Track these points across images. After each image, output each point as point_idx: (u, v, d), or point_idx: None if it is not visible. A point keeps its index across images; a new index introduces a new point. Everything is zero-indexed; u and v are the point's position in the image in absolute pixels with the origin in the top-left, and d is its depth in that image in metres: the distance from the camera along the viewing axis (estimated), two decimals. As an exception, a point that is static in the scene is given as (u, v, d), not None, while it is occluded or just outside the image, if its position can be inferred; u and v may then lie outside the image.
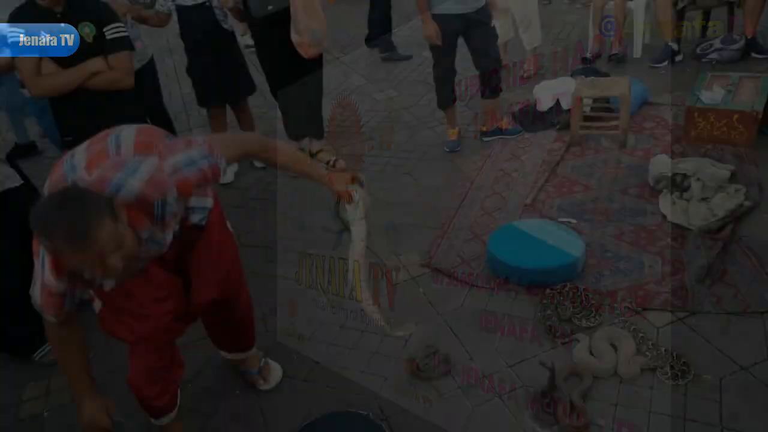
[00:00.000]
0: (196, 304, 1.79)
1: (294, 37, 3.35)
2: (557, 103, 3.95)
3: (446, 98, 3.70)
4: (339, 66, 5.77)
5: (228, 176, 3.79)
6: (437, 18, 3.37)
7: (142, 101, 2.77)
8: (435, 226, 3.03)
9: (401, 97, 4.77)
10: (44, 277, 1.42)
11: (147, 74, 3.40)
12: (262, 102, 4.96)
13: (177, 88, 5.64)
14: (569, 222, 2.86)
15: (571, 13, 6.11)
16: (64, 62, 2.39)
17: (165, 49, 6.75)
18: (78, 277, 1.41)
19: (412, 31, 6.46)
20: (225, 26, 3.60)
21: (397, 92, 4.89)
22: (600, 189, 3.11)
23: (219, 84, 3.69)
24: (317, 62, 3.63)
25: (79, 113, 2.48)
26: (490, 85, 3.61)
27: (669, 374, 1.96)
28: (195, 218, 1.67)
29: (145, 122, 2.74)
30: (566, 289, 2.37)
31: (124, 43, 2.50)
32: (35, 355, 2.51)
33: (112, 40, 2.46)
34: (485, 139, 3.81)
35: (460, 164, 3.62)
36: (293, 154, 1.88)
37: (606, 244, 2.68)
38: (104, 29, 2.44)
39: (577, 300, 2.33)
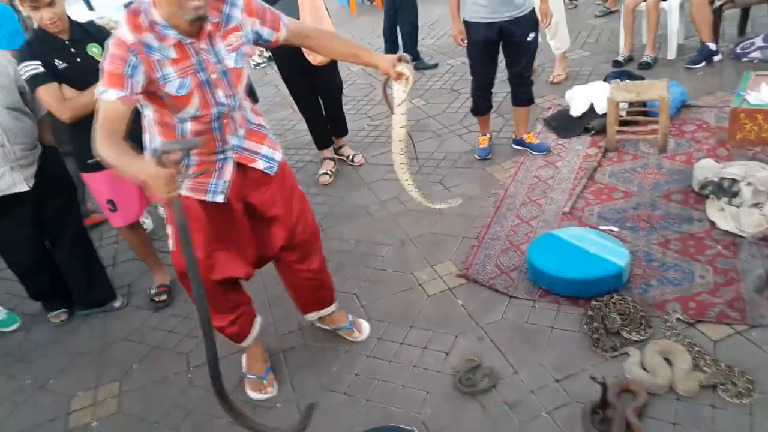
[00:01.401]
0: (271, 248, 2.08)
1: None
2: (591, 107, 3.85)
3: (481, 106, 3.61)
4: (363, 76, 5.74)
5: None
6: (470, 25, 3.25)
7: None
8: (470, 236, 2.95)
9: (428, 106, 4.70)
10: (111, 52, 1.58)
11: None
12: (291, 114, 4.96)
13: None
14: (611, 230, 2.75)
15: (599, 16, 6.00)
16: (81, 86, 2.44)
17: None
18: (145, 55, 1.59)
19: (436, 40, 6.42)
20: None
21: (424, 101, 4.82)
22: (641, 195, 2.99)
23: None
24: (331, 66, 3.62)
25: None
26: (522, 94, 3.51)
27: (732, 392, 1.84)
28: (262, 165, 1.94)
29: None
30: (613, 300, 2.26)
31: None
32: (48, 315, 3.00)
33: None
34: (515, 146, 3.73)
35: (492, 172, 3.53)
36: (344, 41, 2.03)
37: (651, 252, 2.57)
38: None
39: (624, 311, 2.22)
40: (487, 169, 3.59)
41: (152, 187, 1.45)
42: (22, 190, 2.60)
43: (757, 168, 2.72)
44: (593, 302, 2.28)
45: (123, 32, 1.59)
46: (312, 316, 2.43)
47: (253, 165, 1.94)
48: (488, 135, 3.73)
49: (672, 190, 2.98)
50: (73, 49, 2.48)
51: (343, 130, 4.04)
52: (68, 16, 2.51)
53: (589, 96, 3.87)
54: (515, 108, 3.61)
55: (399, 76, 1.86)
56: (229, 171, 1.88)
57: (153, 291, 2.99)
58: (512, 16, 3.16)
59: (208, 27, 1.67)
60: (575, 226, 2.80)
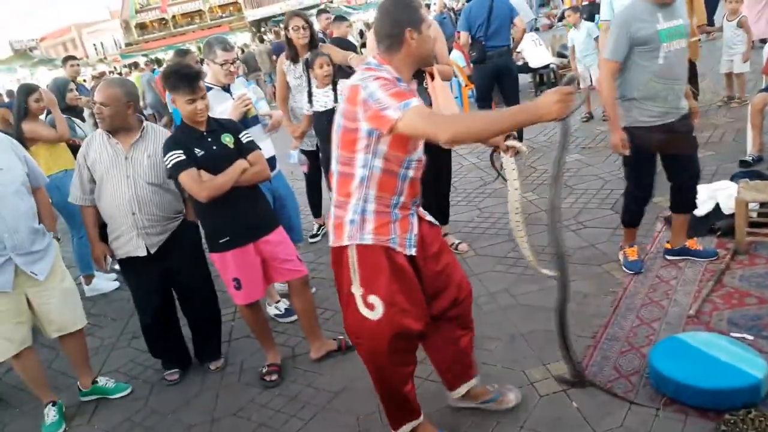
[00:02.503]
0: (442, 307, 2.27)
1: None
2: (716, 207, 3.69)
3: (635, 217, 3.34)
4: (474, 170, 5.89)
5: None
6: (635, 131, 3.03)
7: (267, 200, 3.15)
8: (585, 335, 2.85)
9: (541, 200, 4.72)
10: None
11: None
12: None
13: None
14: (744, 338, 2.55)
15: (722, 115, 5.83)
16: (214, 171, 2.75)
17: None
18: None
19: (548, 138, 6.50)
20: None
21: (536, 195, 4.85)
22: (778, 301, 2.78)
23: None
24: (448, 152, 3.98)
25: (228, 217, 2.81)
26: (685, 200, 3.24)
27: None
28: (429, 216, 2.19)
29: (277, 219, 3.09)
30: (750, 415, 2.07)
31: (255, 144, 2.93)
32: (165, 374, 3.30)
33: (247, 143, 2.89)
34: (669, 257, 3.37)
35: (610, 269, 3.43)
36: None
37: (793, 365, 2.34)
38: (239, 136, 2.88)
39: (764, 429, 2.02)
40: (604, 266, 3.49)
41: (560, 103, 1.74)
42: (141, 255, 2.98)
43: None
44: (727, 416, 2.10)
45: (385, 74, 1.95)
46: (462, 389, 2.45)
47: (426, 218, 2.22)
48: (636, 247, 3.42)
49: (814, 298, 2.74)
50: (209, 139, 2.80)
51: (444, 219, 4.12)
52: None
53: (714, 196, 3.72)
54: (678, 215, 3.31)
55: (508, 149, 2.17)
56: (416, 224, 2.13)
57: (264, 370, 3.07)
58: (680, 115, 3.05)
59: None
60: (702, 331, 2.64)
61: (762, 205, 3.39)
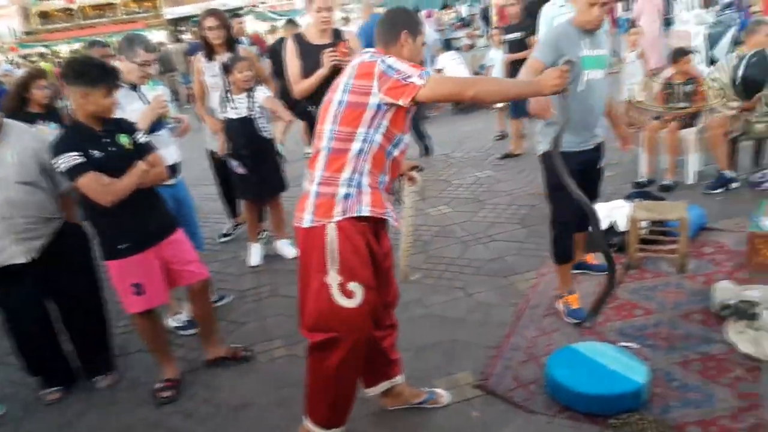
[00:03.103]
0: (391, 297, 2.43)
1: None
2: (612, 225, 3.96)
3: (566, 249, 3.17)
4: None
5: (254, 259, 4.34)
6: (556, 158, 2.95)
7: (164, 202, 3.00)
8: (489, 345, 2.97)
9: (454, 213, 4.88)
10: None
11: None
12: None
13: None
14: (631, 347, 2.76)
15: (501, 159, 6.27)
16: (114, 174, 2.60)
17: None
18: None
19: (464, 154, 6.73)
20: (265, 134, 4.08)
21: (450, 208, 5.01)
22: (662, 313, 3.02)
23: (259, 186, 4.16)
24: None
25: (127, 221, 2.69)
26: (584, 222, 3.17)
27: None
28: (389, 215, 2.19)
29: (177, 221, 2.99)
30: (632, 419, 2.25)
31: (152, 146, 2.84)
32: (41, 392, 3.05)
33: (144, 144, 2.78)
34: (571, 271, 3.33)
35: (515, 281, 3.61)
36: None
37: (672, 372, 2.57)
38: (135, 136, 2.76)
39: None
40: (510, 278, 3.66)
41: (558, 79, 2.06)
42: (20, 262, 2.78)
43: (776, 293, 2.76)
44: (611, 421, 2.27)
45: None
46: (381, 387, 2.50)
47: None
48: (578, 293, 3.19)
49: (692, 310, 3.01)
50: (106, 140, 2.63)
51: None
52: None
53: (611, 214, 3.99)
54: (578, 233, 3.33)
55: (410, 178, 2.45)
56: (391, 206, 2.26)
57: (159, 386, 2.91)
58: (596, 143, 3.10)
59: None
60: (595, 341, 2.82)
61: (652, 223, 3.68)
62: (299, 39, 3.86)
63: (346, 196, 2.07)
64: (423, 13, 14.53)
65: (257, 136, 4.01)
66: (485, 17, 17.14)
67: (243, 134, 3.99)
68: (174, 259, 2.85)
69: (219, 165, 4.54)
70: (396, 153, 2.15)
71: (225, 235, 4.89)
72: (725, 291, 2.91)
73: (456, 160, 6.50)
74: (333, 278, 2.07)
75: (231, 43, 4.17)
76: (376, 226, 2.20)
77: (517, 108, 5.89)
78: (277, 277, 4.14)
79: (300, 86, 3.80)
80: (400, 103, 1.99)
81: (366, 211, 2.08)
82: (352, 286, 2.09)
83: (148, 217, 2.77)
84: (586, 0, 2.77)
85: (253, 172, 4.07)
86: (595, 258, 3.53)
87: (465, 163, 6.32)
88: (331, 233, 2.06)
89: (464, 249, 4.19)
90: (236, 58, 3.97)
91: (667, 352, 2.70)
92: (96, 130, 2.64)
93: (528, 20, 6.20)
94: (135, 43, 3.25)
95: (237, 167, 4.10)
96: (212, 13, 4.20)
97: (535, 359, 2.80)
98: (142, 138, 2.79)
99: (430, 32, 10.75)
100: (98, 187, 2.55)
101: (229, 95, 3.97)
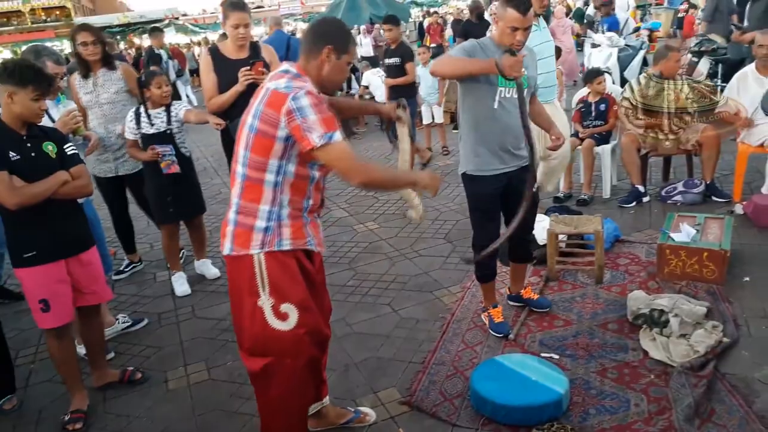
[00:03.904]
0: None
1: None
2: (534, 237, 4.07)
3: (487, 271, 3.14)
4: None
5: (182, 289, 4.04)
6: (474, 178, 2.92)
7: (85, 218, 2.87)
8: (416, 360, 2.96)
9: (381, 229, 4.88)
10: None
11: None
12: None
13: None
14: (552, 357, 2.82)
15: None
16: (29, 180, 2.51)
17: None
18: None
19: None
20: (183, 151, 3.89)
21: (377, 224, 5.00)
22: (580, 324, 3.12)
23: (175, 204, 3.91)
24: None
25: (39, 229, 2.59)
26: (519, 252, 3.22)
27: None
28: (311, 244, 2.11)
29: (92, 239, 2.87)
30: (553, 428, 2.29)
31: (79, 158, 2.74)
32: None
33: (71, 155, 2.69)
34: (510, 303, 3.37)
35: (441, 296, 3.62)
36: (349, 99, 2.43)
37: (590, 380, 2.64)
38: (64, 147, 2.67)
39: (564, 440, 2.24)
40: (435, 293, 3.68)
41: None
42: None
43: (683, 301, 2.91)
44: (533, 431, 2.29)
45: (311, 87, 1.94)
46: (314, 407, 2.41)
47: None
48: (500, 306, 3.21)
49: (608, 320, 3.12)
50: (29, 144, 2.56)
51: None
52: None
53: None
54: (516, 264, 3.30)
55: (398, 119, 2.41)
56: (319, 228, 2.19)
57: (67, 417, 2.73)
58: (520, 165, 2.90)
59: None
60: (518, 353, 2.87)
61: (569, 237, 3.82)
62: (215, 53, 3.76)
63: (266, 230, 1.99)
64: (363, 28, 14.52)
65: (177, 152, 3.85)
66: (420, 34, 17.50)
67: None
68: (83, 277, 2.73)
69: (112, 191, 4.22)
70: (317, 174, 2.07)
71: (120, 272, 4.42)
72: (638, 300, 3.03)
73: (383, 177, 6.51)
74: (265, 301, 2.00)
75: (108, 59, 3.96)
76: None
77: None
78: (196, 298, 3.98)
79: (214, 101, 3.67)
80: (295, 143, 1.93)
81: (286, 245, 2.01)
82: (285, 307, 2.01)
83: (61, 229, 2.65)
84: (508, 24, 2.66)
85: (172, 191, 3.86)
86: (533, 292, 3.38)
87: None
88: (259, 262, 2.00)
89: (391, 265, 4.18)
90: (152, 73, 3.84)
91: (586, 362, 2.78)
92: (19, 134, 2.55)
93: (404, 47, 6.35)
94: (44, 56, 3.07)
95: (169, 167, 3.81)
96: (85, 27, 3.94)
97: (461, 373, 2.81)
98: (70, 150, 2.69)
99: (366, 48, 10.88)
100: (4, 188, 2.44)
101: (143, 110, 3.79)
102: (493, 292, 3.22)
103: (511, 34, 2.68)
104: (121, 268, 4.45)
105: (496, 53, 2.69)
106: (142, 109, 3.78)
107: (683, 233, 3.41)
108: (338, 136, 1.89)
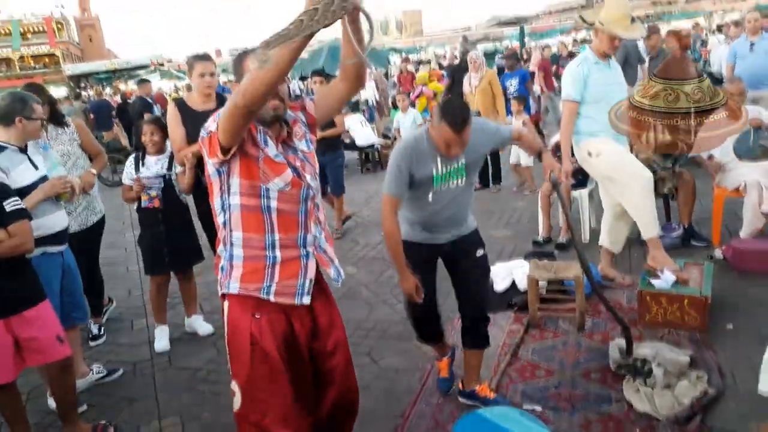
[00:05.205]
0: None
1: None
2: (513, 284, 4.03)
3: (430, 335, 2.95)
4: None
5: (162, 344, 3.85)
6: (410, 246, 2.64)
7: (32, 274, 2.73)
8: (396, 413, 2.86)
9: (360, 273, 4.80)
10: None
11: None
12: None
13: (136, 261, 5.56)
14: (534, 410, 2.74)
15: (520, 200, 6.53)
16: None
17: (128, 224, 6.82)
18: None
19: (370, 213, 6.75)
20: (180, 198, 3.83)
21: (356, 269, 4.93)
22: (563, 373, 3.05)
23: (169, 253, 3.79)
24: None
25: None
26: (473, 336, 2.84)
27: None
28: (333, 272, 2.02)
29: (40, 295, 2.71)
30: (537, 487, 2.19)
31: (23, 213, 2.62)
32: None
33: (10, 212, 2.57)
34: (462, 399, 2.90)
35: (421, 344, 3.53)
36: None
37: (574, 434, 2.55)
38: (4, 203, 2.56)
39: (549, 500, 2.14)
40: (415, 341, 3.57)
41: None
42: None
43: (666, 349, 2.86)
44: (517, 490, 2.19)
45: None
46: None
47: (327, 269, 1.99)
48: (447, 358, 3.01)
49: (591, 369, 3.05)
50: None
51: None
52: None
53: (511, 273, 4.07)
54: (470, 352, 2.87)
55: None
56: (312, 269, 1.92)
57: None
58: (460, 234, 2.72)
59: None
60: (500, 405, 2.77)
61: (549, 282, 3.78)
62: (182, 105, 3.72)
63: (221, 269, 1.93)
64: None
65: (174, 198, 3.77)
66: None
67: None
68: (26, 336, 2.59)
69: (82, 248, 3.70)
70: (276, 204, 1.85)
71: (95, 338, 4.06)
72: (620, 349, 2.98)
73: (363, 219, 6.49)
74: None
75: (56, 117, 3.75)
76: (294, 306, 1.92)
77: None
78: (174, 346, 3.84)
79: (183, 153, 3.60)
80: (214, 160, 1.79)
81: (233, 288, 1.89)
82: (233, 384, 1.91)
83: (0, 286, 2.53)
84: (443, 138, 2.43)
85: (166, 238, 3.75)
86: (489, 389, 2.87)
87: (372, 223, 6.31)
88: (225, 307, 1.93)
89: (370, 311, 4.10)
90: (148, 119, 3.88)
91: (570, 414, 2.70)
92: None
93: None
94: (29, 101, 3.00)
95: (151, 200, 3.69)
96: (34, 89, 3.67)
97: (442, 426, 2.72)
98: (10, 206, 2.57)
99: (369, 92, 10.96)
100: None
101: (141, 156, 3.77)
102: (442, 348, 3.01)
103: (446, 148, 2.45)
104: (95, 332, 4.09)
105: (429, 157, 2.52)
106: (141, 154, 3.78)
107: (663, 279, 3.39)
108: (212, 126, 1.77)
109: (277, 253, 1.87)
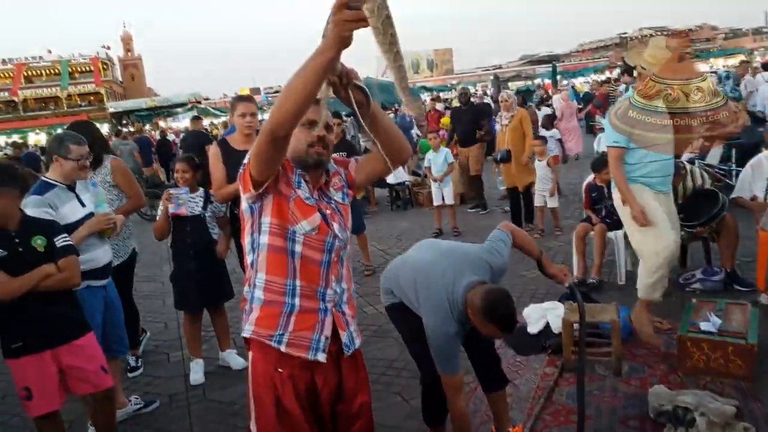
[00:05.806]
0: None
1: None
2: (547, 326, 3.95)
3: (433, 417, 2.76)
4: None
5: (197, 377, 3.89)
6: (406, 308, 2.62)
7: (78, 306, 2.83)
8: (427, 458, 2.79)
9: (391, 313, 4.76)
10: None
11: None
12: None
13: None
14: (570, 457, 2.65)
15: (554, 239, 6.45)
16: (15, 274, 2.55)
17: (165, 258, 6.94)
18: None
19: (402, 251, 6.74)
20: (214, 235, 3.90)
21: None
22: (599, 420, 2.95)
23: (201, 290, 3.85)
24: None
25: (26, 321, 2.60)
26: (490, 377, 2.77)
27: None
28: (345, 338, 1.92)
29: (86, 326, 2.82)
30: None
31: (71, 249, 2.74)
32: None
33: (61, 247, 2.70)
34: None
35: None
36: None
37: (613, 485, 2.46)
38: (55, 239, 2.69)
39: None
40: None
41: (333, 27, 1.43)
42: None
43: (709, 398, 2.75)
44: None
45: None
46: None
47: (341, 332, 1.91)
48: None
49: (629, 416, 2.95)
50: (17, 240, 2.60)
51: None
52: (20, 209, 2.70)
53: (545, 315, 4.00)
54: (493, 395, 2.78)
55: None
56: (329, 326, 1.87)
57: None
58: None
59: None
60: (534, 452, 2.70)
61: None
62: (224, 145, 3.85)
63: (245, 311, 1.92)
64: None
65: (206, 236, 3.86)
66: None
67: (191, 233, 3.81)
68: (73, 365, 2.70)
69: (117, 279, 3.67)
70: (300, 249, 1.83)
71: (133, 369, 4.13)
72: (660, 396, 2.87)
73: (393, 257, 6.45)
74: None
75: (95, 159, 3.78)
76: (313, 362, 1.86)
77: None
78: (208, 379, 3.88)
79: (222, 192, 3.72)
80: (247, 195, 1.80)
81: (247, 330, 1.87)
82: (252, 425, 1.90)
83: (47, 319, 2.64)
84: (491, 334, 2.39)
85: (196, 275, 3.82)
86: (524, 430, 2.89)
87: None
88: (249, 357, 1.93)
89: (401, 350, 4.03)
90: (179, 158, 4.00)
91: (608, 463, 2.60)
92: (8, 230, 2.61)
93: (346, 142, 6.27)
94: (66, 141, 3.16)
95: (177, 207, 3.74)
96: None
97: (474, 472, 2.64)
98: (61, 242, 2.71)
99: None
100: None
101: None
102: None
103: (483, 330, 2.34)
104: (133, 364, 4.17)
105: (464, 325, 2.42)
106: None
107: (704, 323, 3.28)
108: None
109: (297, 301, 1.84)
